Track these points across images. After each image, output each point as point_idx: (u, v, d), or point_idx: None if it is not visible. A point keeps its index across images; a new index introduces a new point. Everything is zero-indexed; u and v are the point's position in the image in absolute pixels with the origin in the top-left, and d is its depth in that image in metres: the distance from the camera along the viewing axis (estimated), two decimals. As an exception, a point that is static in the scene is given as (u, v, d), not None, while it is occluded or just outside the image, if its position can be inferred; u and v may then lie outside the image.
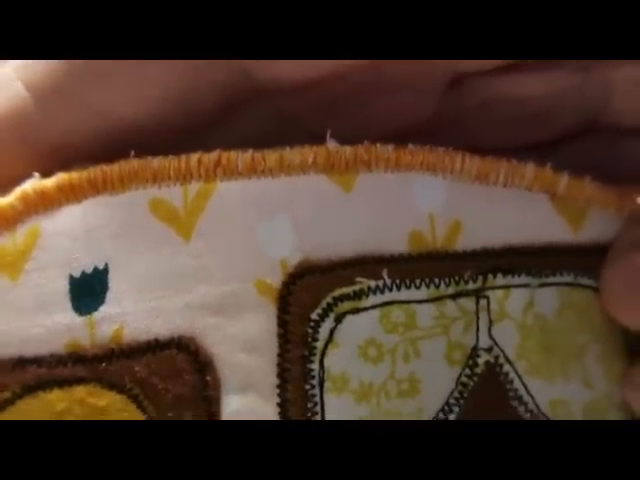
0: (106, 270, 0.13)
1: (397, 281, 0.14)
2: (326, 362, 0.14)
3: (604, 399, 0.15)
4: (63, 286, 0.13)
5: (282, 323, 0.13)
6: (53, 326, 0.13)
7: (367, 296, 0.14)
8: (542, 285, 0.15)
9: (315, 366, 0.14)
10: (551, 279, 0.15)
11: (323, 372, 0.14)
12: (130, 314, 0.13)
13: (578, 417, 0.15)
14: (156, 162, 0.14)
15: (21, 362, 0.13)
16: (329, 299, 0.14)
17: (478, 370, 0.14)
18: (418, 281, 0.14)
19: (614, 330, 0.15)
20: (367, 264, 0.14)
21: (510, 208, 0.15)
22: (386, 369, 0.14)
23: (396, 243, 0.14)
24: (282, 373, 0.14)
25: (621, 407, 0.15)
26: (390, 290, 0.14)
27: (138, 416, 0.13)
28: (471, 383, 0.14)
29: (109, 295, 0.13)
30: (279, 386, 0.13)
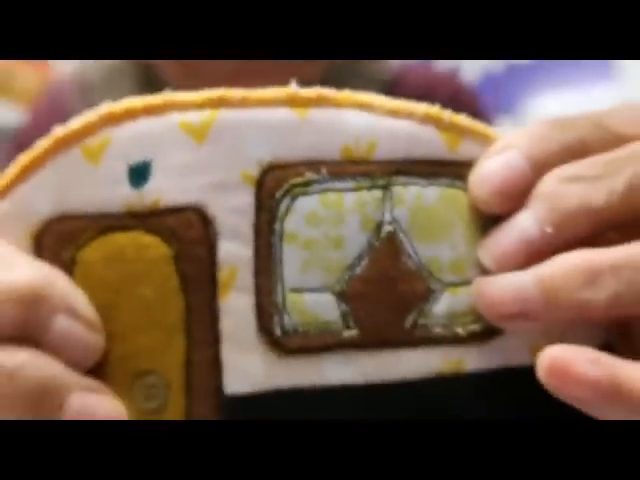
0: (150, 162, 0.21)
1: (332, 176, 0.21)
2: (284, 225, 0.21)
3: (465, 258, 0.22)
4: (124, 171, 0.21)
5: (257, 199, 0.21)
6: (117, 195, 0.21)
7: (312, 185, 0.21)
8: (429, 184, 0.22)
9: (277, 227, 0.21)
10: (434, 181, 0.22)
11: (282, 231, 0.21)
12: (164, 190, 0.21)
13: (446, 269, 0.22)
14: (183, 96, 0.21)
15: (98, 216, 0.21)
16: (287, 185, 0.21)
17: (382, 235, 0.21)
18: (346, 177, 0.21)
19: (477, 217, 0.22)
20: (313, 164, 0.21)
21: (361, 129, 0.21)
22: (322, 231, 0.21)
23: (333, 152, 0.21)
24: (256, 231, 0.21)
25: (477, 265, 0.22)
26: (327, 182, 0.21)
27: (168, 251, 0.21)
28: (377, 243, 0.21)
29: (151, 178, 0.21)
30: (254, 238, 0.21)
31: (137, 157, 0.21)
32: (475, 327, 0.21)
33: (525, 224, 0.21)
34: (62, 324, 0.20)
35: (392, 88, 0.56)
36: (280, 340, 0.21)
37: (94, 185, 0.21)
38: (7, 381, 0.19)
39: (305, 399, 0.21)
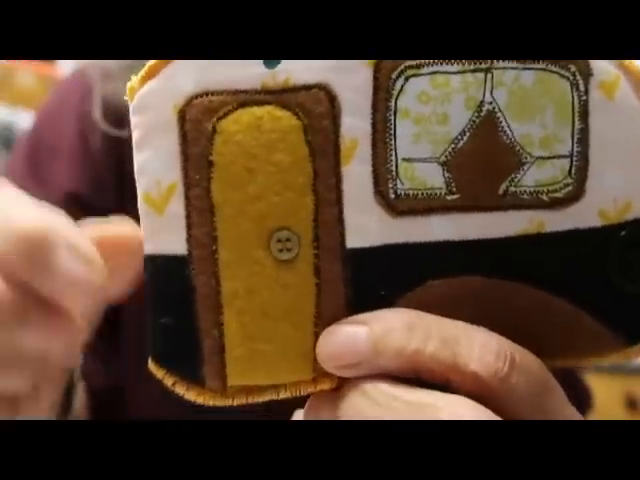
0: None
1: (440, 61, 0.24)
2: (398, 102, 0.24)
3: (553, 136, 0.24)
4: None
5: (375, 79, 0.24)
6: (254, 74, 0.23)
7: (423, 67, 0.24)
8: (525, 69, 0.24)
9: (392, 104, 0.24)
10: (531, 65, 0.24)
11: (396, 108, 0.24)
12: (294, 70, 0.23)
13: (536, 145, 0.24)
14: None
15: (236, 92, 0.24)
16: (402, 67, 0.24)
17: (483, 113, 0.24)
18: (452, 61, 0.24)
19: (567, 100, 0.24)
20: None
21: None
22: (430, 108, 0.24)
23: None
24: (374, 107, 0.24)
25: (563, 141, 0.25)
26: (436, 65, 0.24)
27: (298, 123, 0.24)
28: (477, 120, 0.24)
29: (283, 59, 0.23)
30: (372, 114, 0.24)
31: None
32: (558, 194, 0.24)
33: (359, 337, 0.23)
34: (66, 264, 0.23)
35: None
36: (393, 203, 0.24)
37: (232, 66, 0.24)
38: None
39: (413, 253, 0.24)
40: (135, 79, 0.24)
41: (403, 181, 0.24)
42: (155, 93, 0.24)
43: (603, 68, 0.24)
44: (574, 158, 0.24)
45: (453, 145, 0.24)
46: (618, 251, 0.25)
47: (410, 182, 0.24)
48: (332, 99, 0.24)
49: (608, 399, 2.04)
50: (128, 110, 0.40)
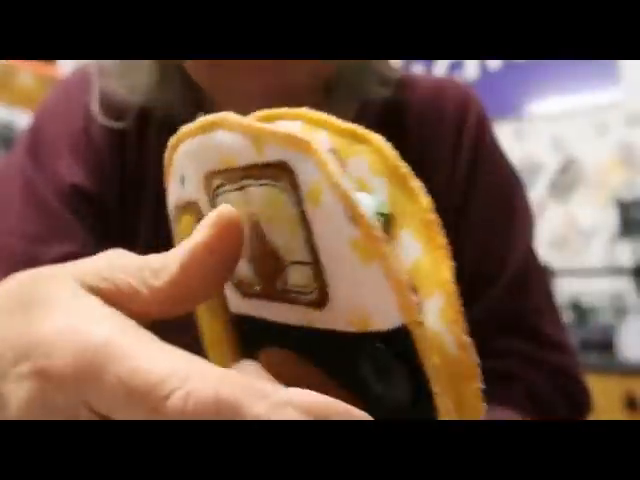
0: (184, 175, 0.29)
1: (226, 181, 0.27)
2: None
3: (290, 245, 0.26)
4: (178, 180, 0.30)
5: (208, 195, 0.28)
6: (178, 194, 0.30)
7: (222, 187, 0.27)
8: (261, 185, 0.25)
9: None
10: (265, 181, 0.25)
11: None
12: (188, 191, 0.29)
13: (286, 251, 0.26)
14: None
15: (175, 209, 0.30)
16: (213, 188, 0.28)
17: (253, 224, 0.26)
18: (231, 182, 0.27)
19: (289, 212, 0.25)
20: (218, 172, 0.27)
21: (232, 146, 0.26)
22: None
23: (217, 164, 0.27)
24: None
25: (300, 249, 0.25)
26: (226, 186, 0.27)
27: (194, 221, 0.29)
28: (252, 229, 0.26)
29: (185, 184, 0.29)
30: None
31: (180, 172, 0.29)
32: (311, 297, 0.26)
33: None
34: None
35: (403, 88, 0.57)
36: (238, 290, 0.30)
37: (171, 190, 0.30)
38: None
39: (254, 324, 0.30)
40: None
41: (236, 276, 0.30)
42: None
43: (307, 176, 0.24)
44: (311, 266, 0.25)
45: (251, 247, 0.27)
46: (367, 358, 0.25)
47: (238, 276, 0.30)
48: (199, 211, 0.29)
49: (608, 399, 2.04)
50: (124, 104, 0.42)
